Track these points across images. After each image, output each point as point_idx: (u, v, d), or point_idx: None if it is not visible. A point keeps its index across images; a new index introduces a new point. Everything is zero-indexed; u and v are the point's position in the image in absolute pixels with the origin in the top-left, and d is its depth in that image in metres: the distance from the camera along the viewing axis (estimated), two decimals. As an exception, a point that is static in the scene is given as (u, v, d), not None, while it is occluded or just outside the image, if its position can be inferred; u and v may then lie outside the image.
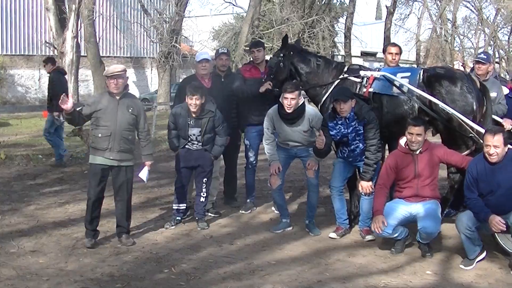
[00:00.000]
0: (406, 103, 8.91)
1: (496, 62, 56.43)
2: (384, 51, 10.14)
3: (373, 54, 60.93)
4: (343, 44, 42.25)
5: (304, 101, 8.88)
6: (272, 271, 7.37)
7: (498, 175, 7.40)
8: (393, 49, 9.91)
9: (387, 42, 39.54)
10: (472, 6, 54.15)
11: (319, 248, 8.33)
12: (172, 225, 9.28)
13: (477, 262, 7.63)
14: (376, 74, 9.14)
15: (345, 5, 42.87)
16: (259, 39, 29.25)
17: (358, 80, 9.19)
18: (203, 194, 9.36)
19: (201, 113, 9.09)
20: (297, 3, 36.40)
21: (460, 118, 8.51)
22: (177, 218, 9.40)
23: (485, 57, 10.19)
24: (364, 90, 9.04)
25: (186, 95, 9.07)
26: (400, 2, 48.78)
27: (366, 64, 32.18)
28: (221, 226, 9.50)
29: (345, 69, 9.50)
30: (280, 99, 8.76)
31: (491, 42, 54.96)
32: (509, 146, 7.55)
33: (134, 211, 9.70)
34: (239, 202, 10.70)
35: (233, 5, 42.11)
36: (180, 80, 25.73)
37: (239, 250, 8.26)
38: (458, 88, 8.74)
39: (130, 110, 8.29)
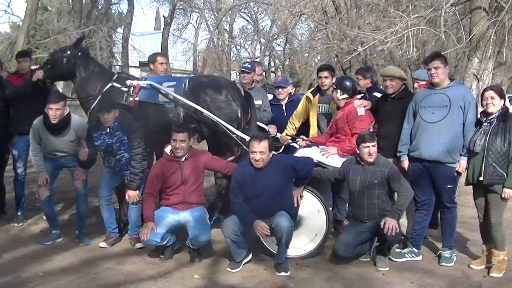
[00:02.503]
0: (172, 111, 9.06)
1: (272, 72, 58.45)
2: (153, 61, 10.19)
3: (152, 64, 60.92)
4: (121, 54, 41.96)
5: (69, 111, 8.80)
6: (41, 282, 7.25)
7: (263, 180, 7.71)
8: (161, 59, 10.06)
9: (164, 52, 39.90)
10: (249, 17, 55.58)
11: (89, 258, 8.29)
12: None
13: (243, 264, 7.89)
14: (142, 83, 9.25)
15: (123, 15, 42.54)
16: (35, 48, 28.60)
17: (125, 89, 9.23)
18: (-32, 208, 9.03)
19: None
20: (74, 12, 35.67)
21: (224, 126, 8.79)
22: None
23: (250, 66, 10.54)
24: (131, 99, 9.11)
25: None
26: (178, 13, 49.18)
27: (144, 74, 32.26)
28: (-11, 240, 9.21)
29: (114, 77, 9.46)
30: (46, 110, 8.63)
31: (267, 52, 56.67)
32: (273, 152, 7.91)
33: None
34: (10, 215, 10.39)
35: (9, 13, 40.95)
36: None
37: (7, 263, 8.04)
38: (223, 96, 9.04)
39: None
